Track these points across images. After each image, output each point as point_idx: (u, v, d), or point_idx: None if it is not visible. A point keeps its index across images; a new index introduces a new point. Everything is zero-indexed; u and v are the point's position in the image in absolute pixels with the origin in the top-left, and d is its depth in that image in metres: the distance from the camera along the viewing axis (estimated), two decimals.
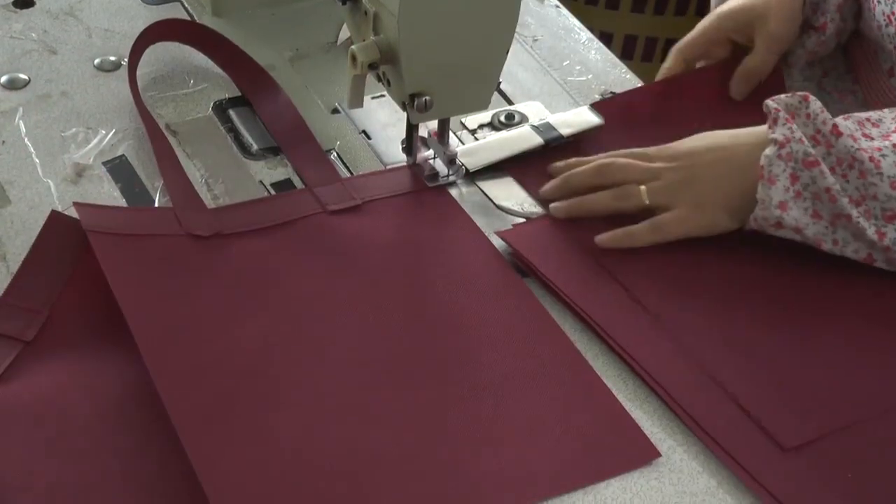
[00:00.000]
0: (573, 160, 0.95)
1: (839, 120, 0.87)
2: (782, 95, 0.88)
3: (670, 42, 1.46)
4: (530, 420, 0.77)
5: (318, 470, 0.73)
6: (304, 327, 0.82)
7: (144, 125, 0.96)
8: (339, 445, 0.74)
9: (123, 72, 1.04)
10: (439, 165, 0.96)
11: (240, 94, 1.03)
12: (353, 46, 0.87)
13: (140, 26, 1.07)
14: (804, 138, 0.85)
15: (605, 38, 1.42)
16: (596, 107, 1.01)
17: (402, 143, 0.96)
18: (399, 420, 0.77)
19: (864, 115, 0.89)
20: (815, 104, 0.87)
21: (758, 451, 0.76)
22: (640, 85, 1.09)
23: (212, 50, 1.04)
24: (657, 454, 0.76)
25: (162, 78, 1.04)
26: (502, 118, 1.02)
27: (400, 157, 0.97)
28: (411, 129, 0.94)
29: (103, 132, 0.98)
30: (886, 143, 0.85)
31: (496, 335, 0.83)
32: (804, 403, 0.79)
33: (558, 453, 0.75)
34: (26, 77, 1.03)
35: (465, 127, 1.01)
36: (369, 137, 1.00)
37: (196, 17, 1.11)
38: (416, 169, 0.96)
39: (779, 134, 0.86)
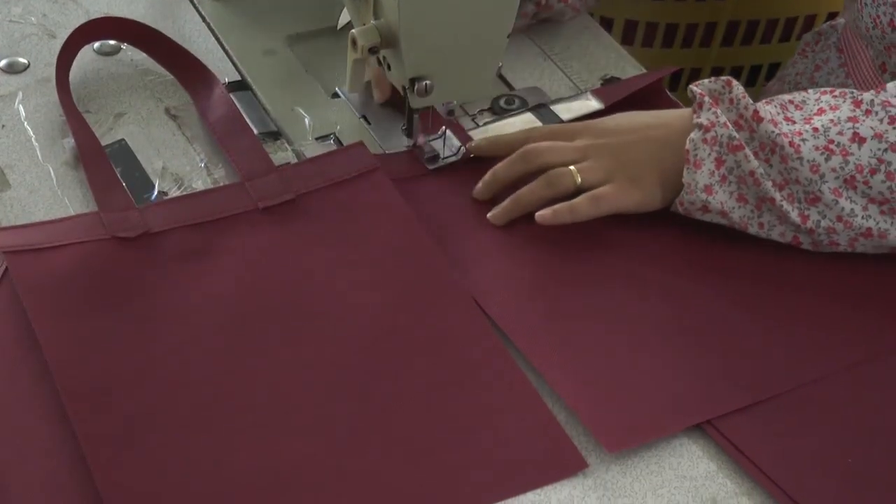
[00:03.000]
0: (494, 137, 0.94)
1: (760, 105, 0.87)
2: (706, 80, 0.89)
3: (670, 27, 1.47)
4: (457, 430, 0.75)
5: (239, 488, 0.70)
6: (226, 337, 0.79)
7: (66, 117, 0.94)
8: (261, 460, 0.72)
9: (123, 55, 1.04)
10: (439, 147, 0.96)
11: (240, 78, 1.03)
12: (353, 30, 0.87)
13: (139, 10, 1.07)
14: (728, 123, 0.85)
15: (606, 24, 1.42)
16: (597, 92, 1.01)
17: (403, 126, 0.96)
18: (323, 434, 0.74)
19: (788, 97, 0.89)
20: (738, 89, 0.87)
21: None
22: (640, 70, 1.09)
23: (149, 45, 1.02)
24: (584, 465, 0.74)
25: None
26: (502, 103, 1.02)
27: (400, 142, 0.97)
28: (411, 112, 0.94)
29: (103, 116, 0.98)
30: (807, 126, 0.85)
31: (425, 339, 0.81)
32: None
33: (484, 464, 0.73)
34: (26, 61, 1.03)
35: (465, 112, 1.01)
36: (369, 122, 1.00)
37: (197, 3, 1.10)
38: (416, 151, 0.95)
39: (704, 118, 0.86)
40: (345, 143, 0.97)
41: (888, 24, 1.01)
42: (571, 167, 0.88)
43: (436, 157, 0.95)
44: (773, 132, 0.84)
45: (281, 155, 0.96)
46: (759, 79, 1.54)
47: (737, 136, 0.85)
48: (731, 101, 0.87)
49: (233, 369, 0.77)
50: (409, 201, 0.91)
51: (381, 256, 0.86)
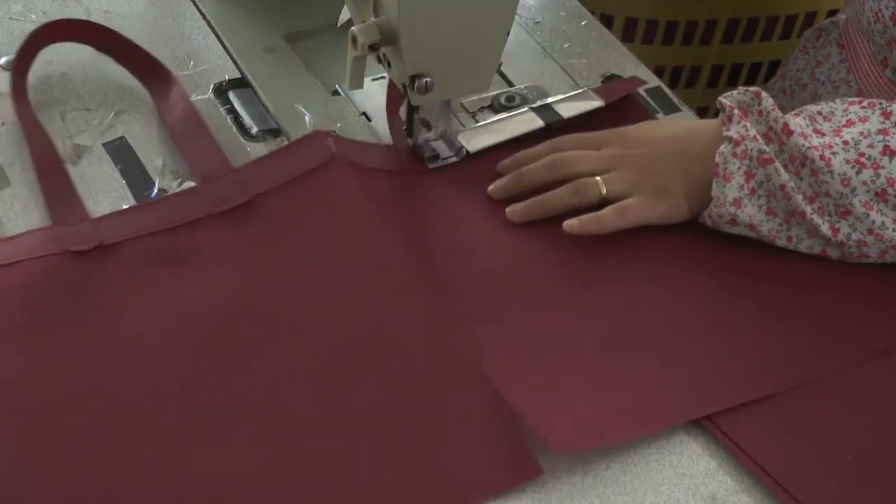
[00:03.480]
0: (521, 154, 0.94)
1: (790, 117, 0.87)
2: (734, 92, 0.89)
3: (671, 24, 1.47)
4: (411, 438, 0.74)
5: (190, 501, 0.69)
6: (181, 347, 0.78)
7: (23, 129, 0.94)
8: (199, 477, 0.70)
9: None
10: (440, 147, 0.96)
11: (240, 75, 1.03)
12: (353, 27, 0.87)
13: (139, 8, 1.07)
14: (758, 136, 0.85)
15: (606, 21, 1.42)
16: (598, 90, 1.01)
17: (403, 124, 0.96)
18: (268, 446, 0.72)
19: (816, 107, 0.89)
20: (767, 101, 0.86)
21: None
22: (640, 68, 1.09)
23: (106, 45, 1.01)
24: (539, 472, 0.73)
25: (162, 59, 1.04)
26: (503, 100, 1.02)
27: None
28: (412, 110, 0.94)
29: (103, 113, 0.98)
30: (837, 139, 0.85)
31: (377, 342, 0.79)
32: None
33: (435, 471, 0.72)
34: None
35: (465, 109, 1.01)
36: (370, 119, 1.00)
37: (197, 0, 1.10)
38: (416, 150, 0.95)
39: (733, 132, 0.86)
40: None
41: (890, 18, 1.00)
42: (598, 178, 0.88)
43: (436, 157, 0.95)
44: (803, 146, 0.84)
45: None
46: (759, 76, 1.54)
47: (767, 149, 0.84)
48: (761, 113, 0.86)
49: (187, 381, 0.76)
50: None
51: (337, 256, 0.85)
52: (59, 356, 0.76)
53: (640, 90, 1.05)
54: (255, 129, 0.97)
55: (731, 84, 1.53)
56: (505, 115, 0.99)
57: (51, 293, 0.80)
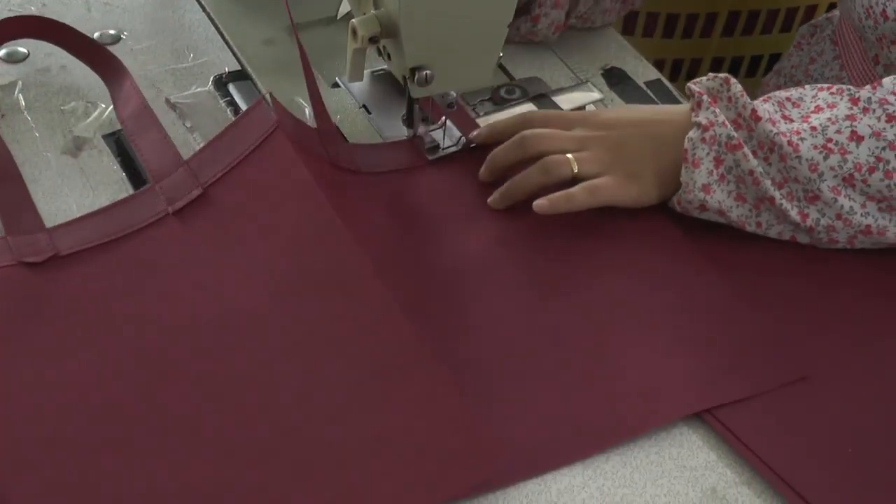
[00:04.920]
0: (491, 124, 0.94)
1: (758, 103, 0.87)
2: (703, 78, 0.88)
3: (671, 17, 1.47)
4: (375, 437, 0.72)
5: None
6: (139, 356, 0.76)
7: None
8: (180, 481, 0.69)
9: (123, 45, 1.04)
10: (439, 138, 0.95)
11: (240, 68, 1.03)
12: (353, 20, 0.87)
13: (139, 0, 1.07)
14: (727, 122, 0.85)
15: None
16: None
17: (403, 116, 0.96)
18: (247, 450, 0.71)
19: (785, 93, 0.89)
20: (736, 87, 0.86)
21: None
22: (640, 60, 1.09)
23: (61, 39, 1.00)
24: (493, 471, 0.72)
25: (162, 52, 1.04)
26: (503, 93, 1.02)
27: (400, 131, 0.97)
28: (412, 103, 0.93)
29: (103, 106, 0.97)
30: (805, 125, 0.85)
31: (344, 336, 0.78)
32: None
33: (406, 470, 0.71)
34: (25, 50, 1.03)
35: (465, 102, 1.01)
36: (369, 112, 0.99)
37: None
38: (416, 142, 0.95)
39: (702, 118, 0.86)
40: (345, 134, 0.97)
41: (881, 15, 1.00)
42: (569, 155, 0.88)
43: (436, 148, 0.95)
44: (771, 131, 0.84)
45: None
46: (759, 69, 1.54)
47: (735, 135, 0.85)
48: (730, 99, 0.87)
49: (144, 390, 0.74)
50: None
51: (290, 241, 0.83)
52: (14, 368, 0.75)
53: (640, 83, 1.05)
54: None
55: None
56: (505, 107, 0.99)
57: (5, 305, 0.78)
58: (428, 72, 0.87)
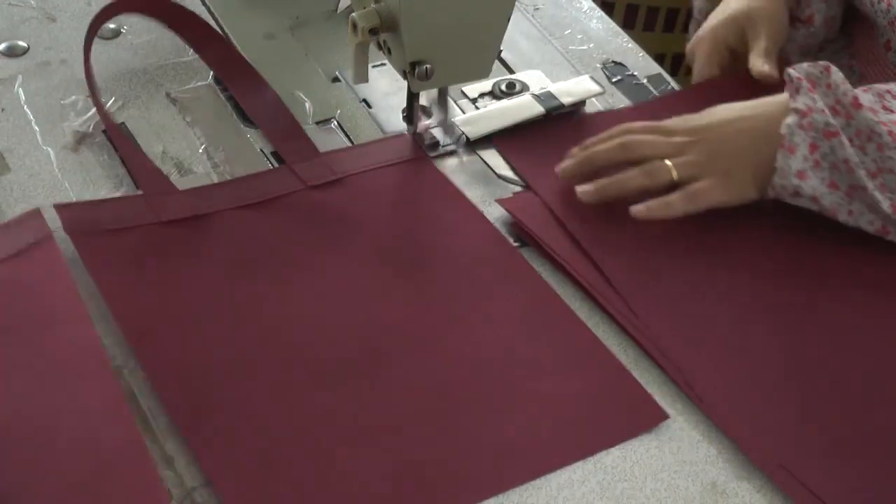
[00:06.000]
0: (590, 140, 0.93)
1: (859, 92, 0.87)
2: (804, 64, 0.88)
3: (672, 12, 1.46)
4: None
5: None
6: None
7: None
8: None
9: (123, 39, 1.04)
10: (440, 134, 0.95)
11: None
12: (353, 14, 0.87)
13: None
14: (825, 108, 0.85)
15: (607, 7, 1.41)
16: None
17: (403, 111, 0.95)
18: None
19: (884, 86, 0.89)
20: (837, 75, 0.86)
21: (756, 420, 0.76)
22: (641, 55, 1.09)
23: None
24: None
25: (163, 46, 1.04)
26: (503, 87, 1.01)
27: (400, 126, 0.97)
28: (412, 97, 0.93)
29: (103, 100, 0.97)
30: None
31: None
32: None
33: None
34: (25, 44, 1.03)
35: (465, 95, 1.01)
36: (370, 106, 0.99)
37: None
38: (416, 138, 0.95)
39: (800, 103, 0.86)
40: (346, 129, 0.97)
41: None
42: (668, 161, 0.89)
43: (436, 145, 0.95)
44: (872, 120, 0.84)
45: None
46: None
47: (833, 122, 0.84)
48: (829, 86, 0.86)
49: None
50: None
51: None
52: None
53: (641, 77, 1.05)
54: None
55: None
56: (506, 101, 0.99)
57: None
58: (428, 66, 0.87)
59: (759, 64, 0.99)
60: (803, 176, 0.85)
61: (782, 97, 0.89)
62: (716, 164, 0.88)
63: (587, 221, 0.89)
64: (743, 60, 1.03)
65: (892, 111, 0.86)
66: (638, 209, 0.87)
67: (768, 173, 0.87)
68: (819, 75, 0.87)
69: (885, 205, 0.85)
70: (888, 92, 0.88)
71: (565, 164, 0.92)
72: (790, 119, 0.86)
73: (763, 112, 0.89)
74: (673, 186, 0.89)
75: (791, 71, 0.88)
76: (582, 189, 0.90)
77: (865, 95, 0.87)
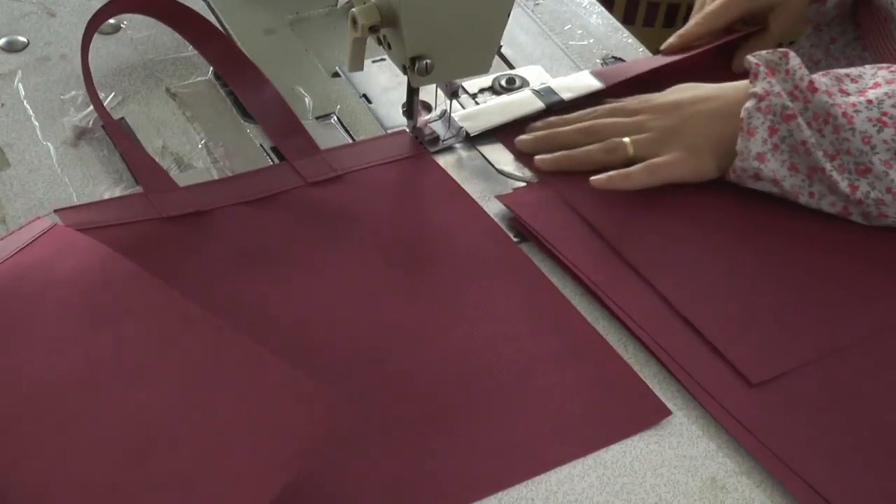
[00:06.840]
0: (552, 119, 0.96)
1: (816, 76, 0.88)
2: (763, 52, 0.90)
3: (672, 7, 1.46)
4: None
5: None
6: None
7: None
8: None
9: (123, 34, 1.04)
10: (440, 129, 0.95)
11: None
12: (353, 9, 0.87)
13: None
14: (783, 92, 0.87)
15: (607, 3, 1.41)
16: (598, 73, 1.01)
17: (403, 106, 0.95)
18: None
19: (844, 71, 0.90)
20: (794, 60, 0.88)
21: (762, 418, 0.76)
22: (641, 50, 1.09)
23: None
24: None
25: (163, 41, 1.04)
26: (503, 82, 1.01)
27: (400, 121, 0.97)
28: (412, 92, 0.93)
29: (103, 95, 0.97)
30: (861, 98, 0.86)
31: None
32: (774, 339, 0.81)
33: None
34: (25, 39, 1.03)
35: (465, 91, 1.01)
36: (370, 101, 0.99)
37: None
38: (416, 133, 0.95)
39: (759, 88, 0.88)
40: (345, 124, 0.97)
41: None
42: (626, 139, 0.90)
43: (436, 139, 0.95)
44: (827, 102, 0.85)
45: None
46: None
47: (790, 105, 0.86)
48: (787, 71, 0.88)
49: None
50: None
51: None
52: None
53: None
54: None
55: None
56: (505, 97, 0.99)
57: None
58: (428, 61, 0.87)
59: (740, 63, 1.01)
60: (763, 159, 0.87)
61: (744, 82, 0.90)
62: (678, 140, 0.90)
63: (601, 210, 0.89)
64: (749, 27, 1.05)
65: (848, 93, 0.87)
66: (599, 179, 0.89)
67: (729, 153, 0.89)
68: (777, 61, 0.89)
69: (844, 185, 0.86)
70: (847, 76, 0.89)
71: (524, 138, 0.95)
72: (749, 103, 0.88)
73: (726, 94, 0.91)
74: (631, 162, 0.90)
75: (750, 58, 0.90)
76: (540, 159, 0.93)
77: (822, 79, 0.88)
